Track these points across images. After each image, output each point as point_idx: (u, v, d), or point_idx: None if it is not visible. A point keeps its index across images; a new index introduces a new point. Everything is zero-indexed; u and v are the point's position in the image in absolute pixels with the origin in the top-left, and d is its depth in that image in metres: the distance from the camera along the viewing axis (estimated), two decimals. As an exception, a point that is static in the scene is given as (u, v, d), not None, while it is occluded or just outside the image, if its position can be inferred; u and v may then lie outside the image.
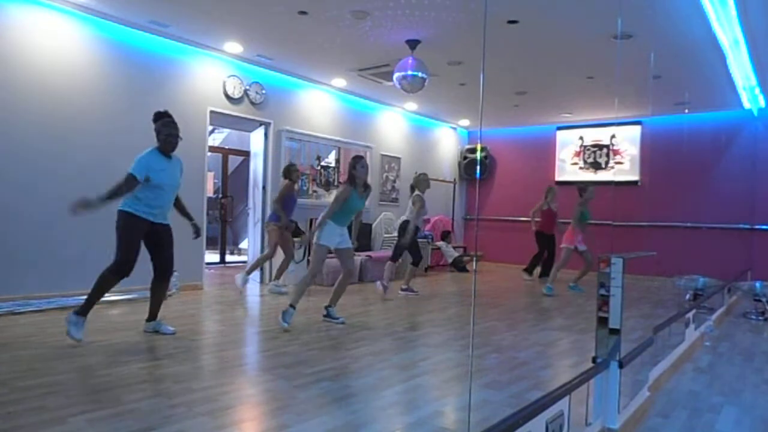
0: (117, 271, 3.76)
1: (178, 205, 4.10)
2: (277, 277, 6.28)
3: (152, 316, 4.07)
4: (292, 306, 4.36)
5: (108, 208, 5.23)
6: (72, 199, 5.02)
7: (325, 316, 4.70)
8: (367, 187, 4.75)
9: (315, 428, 2.39)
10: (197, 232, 4.16)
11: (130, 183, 3.69)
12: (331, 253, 4.69)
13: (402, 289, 6.41)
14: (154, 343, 3.73)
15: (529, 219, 9.45)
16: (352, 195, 4.60)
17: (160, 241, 3.93)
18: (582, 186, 7.15)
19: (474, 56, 5.92)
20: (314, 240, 4.57)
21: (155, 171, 3.77)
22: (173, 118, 3.94)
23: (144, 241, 3.89)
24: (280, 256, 6.43)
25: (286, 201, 6.12)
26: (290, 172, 6.22)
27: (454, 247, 9.46)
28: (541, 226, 7.93)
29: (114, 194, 3.64)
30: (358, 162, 4.67)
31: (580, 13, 4.76)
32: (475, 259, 10.28)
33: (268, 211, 7.03)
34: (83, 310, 3.71)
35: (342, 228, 4.66)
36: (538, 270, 8.30)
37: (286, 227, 6.15)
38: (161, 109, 4.02)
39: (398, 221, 8.37)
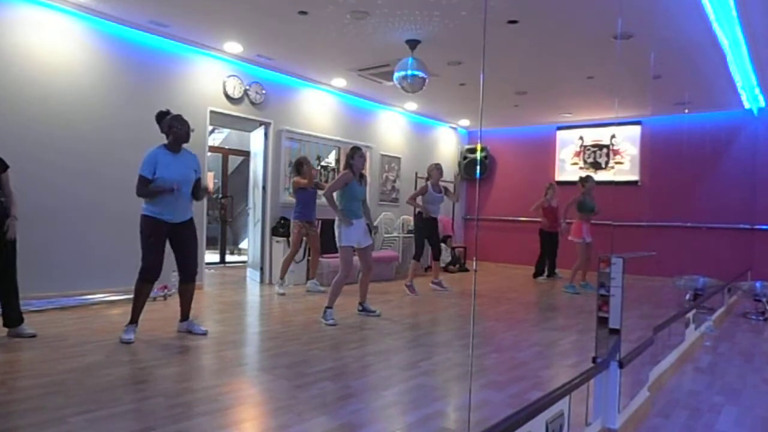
0: (143, 278, 3.85)
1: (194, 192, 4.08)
2: (281, 276, 6.25)
3: (183, 316, 4.10)
4: (329, 307, 4.65)
5: (116, 210, 5.27)
6: (69, 198, 5.06)
7: (360, 311, 5.03)
8: (362, 177, 4.98)
9: (315, 428, 2.39)
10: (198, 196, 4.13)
11: (141, 183, 3.80)
12: (357, 251, 4.86)
13: (433, 282, 6.80)
14: (155, 343, 3.73)
15: (528, 219, 9.51)
16: (353, 181, 4.81)
17: (179, 241, 3.96)
18: (584, 178, 7.22)
19: (474, 56, 5.92)
20: (338, 243, 4.79)
21: (161, 168, 3.81)
22: (179, 115, 3.98)
23: (170, 242, 3.94)
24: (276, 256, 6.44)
25: (299, 197, 6.18)
26: (297, 167, 6.33)
27: (454, 248, 9.45)
28: (544, 224, 8.03)
29: (143, 196, 3.82)
30: (356, 152, 4.88)
31: (580, 13, 4.76)
32: (475, 259, 10.28)
33: (269, 211, 7.05)
34: (132, 319, 3.84)
35: (359, 222, 4.84)
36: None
37: (308, 225, 6.20)
38: (163, 109, 4.04)
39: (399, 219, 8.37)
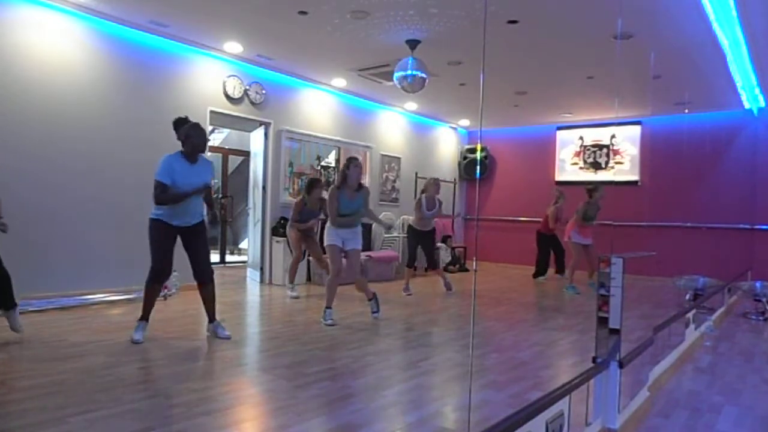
0: (153, 279, 3.83)
1: (207, 199, 4.06)
2: (291, 281, 6.09)
3: (210, 317, 4.05)
4: (328, 307, 4.63)
5: (116, 210, 5.27)
6: (69, 197, 5.07)
7: (370, 299, 4.96)
8: (361, 188, 4.80)
9: (315, 428, 2.39)
10: (213, 219, 4.16)
11: (160, 189, 3.69)
12: (344, 253, 4.77)
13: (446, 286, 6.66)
14: (155, 343, 3.73)
15: (528, 219, 9.55)
16: (340, 197, 4.68)
17: (191, 244, 3.93)
18: (593, 186, 7.09)
19: (474, 56, 5.92)
20: (325, 242, 4.77)
21: (177, 176, 3.74)
22: (197, 123, 3.94)
23: (182, 244, 3.92)
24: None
25: (301, 214, 5.93)
26: (308, 186, 6.00)
27: (454, 248, 9.46)
28: (542, 228, 8.01)
29: (159, 203, 3.72)
30: (351, 163, 4.75)
31: (580, 13, 4.76)
32: (475, 259, 10.28)
33: (269, 211, 7.04)
34: (143, 316, 3.85)
35: (348, 229, 4.74)
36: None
37: (306, 228, 6.02)
38: (182, 115, 4.00)
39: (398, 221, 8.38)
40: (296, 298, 5.89)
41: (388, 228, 5.14)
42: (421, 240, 6.55)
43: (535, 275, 8.35)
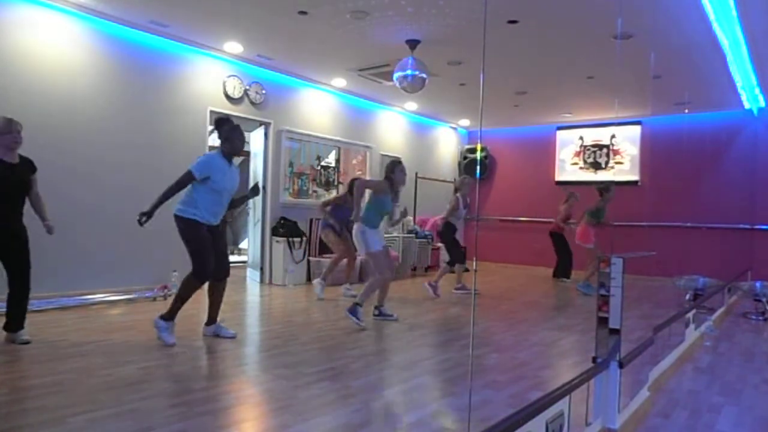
0: (200, 279, 3.78)
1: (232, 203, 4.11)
2: (325, 277, 6.02)
3: (211, 319, 4.01)
4: (360, 305, 4.46)
5: (116, 210, 5.27)
6: (69, 198, 5.06)
7: (377, 315, 4.79)
8: (397, 194, 4.81)
9: (315, 428, 2.39)
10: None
11: (187, 179, 3.70)
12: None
13: (456, 289, 6.59)
14: (155, 343, 3.73)
15: (529, 219, 9.55)
16: (387, 195, 4.67)
17: (213, 242, 3.89)
18: (604, 186, 7.13)
19: (474, 56, 5.92)
20: (366, 250, 4.64)
21: (218, 175, 3.76)
22: (238, 126, 3.97)
23: None
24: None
25: (337, 211, 6.01)
26: (351, 186, 6.02)
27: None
28: (554, 227, 8.01)
29: (170, 191, 3.66)
30: (396, 167, 4.73)
31: (580, 13, 4.76)
32: (474, 259, 10.27)
33: (269, 212, 7.04)
34: (170, 315, 3.76)
35: (378, 230, 4.73)
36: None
37: (338, 230, 6.01)
38: (223, 116, 4.05)
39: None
40: (321, 299, 5.76)
41: (404, 216, 5.10)
42: (454, 236, 6.61)
43: (555, 275, 8.25)
